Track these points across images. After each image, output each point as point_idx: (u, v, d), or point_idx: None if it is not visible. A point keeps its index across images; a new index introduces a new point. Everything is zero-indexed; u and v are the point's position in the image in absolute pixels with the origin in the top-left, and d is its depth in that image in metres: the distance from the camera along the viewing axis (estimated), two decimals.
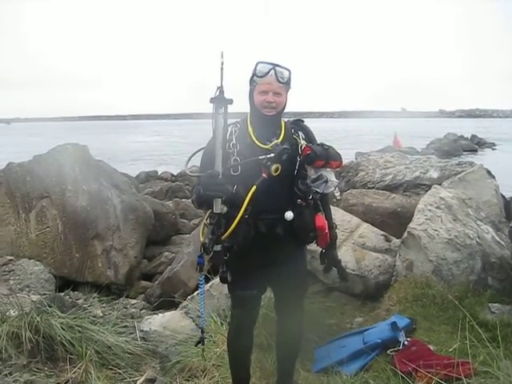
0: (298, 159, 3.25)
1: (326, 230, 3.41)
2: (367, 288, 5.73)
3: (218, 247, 2.98)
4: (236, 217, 3.07)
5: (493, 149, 37.90)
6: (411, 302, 5.05)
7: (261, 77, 3.23)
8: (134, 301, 7.49)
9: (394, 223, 6.82)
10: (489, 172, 7.05)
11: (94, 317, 5.47)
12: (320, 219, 3.37)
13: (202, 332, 3.45)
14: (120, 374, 4.62)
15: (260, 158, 3.14)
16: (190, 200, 13.06)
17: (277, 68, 3.23)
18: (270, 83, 3.23)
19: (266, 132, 3.30)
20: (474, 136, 39.89)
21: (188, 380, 4.31)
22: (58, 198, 8.18)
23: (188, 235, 9.25)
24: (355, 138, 47.08)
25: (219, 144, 3.03)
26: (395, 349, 4.24)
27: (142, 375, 4.65)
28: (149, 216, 9.02)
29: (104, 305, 6.81)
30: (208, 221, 3.17)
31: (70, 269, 8.01)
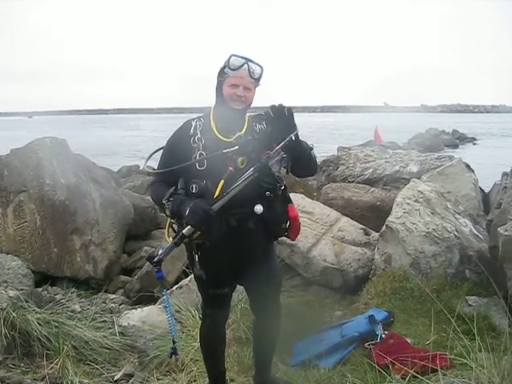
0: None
1: (299, 221, 3.41)
2: (346, 281, 5.76)
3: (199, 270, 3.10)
4: None
5: (474, 143, 38.22)
6: (389, 296, 5.07)
7: (233, 70, 3.18)
8: (112, 296, 7.44)
9: (374, 217, 6.86)
10: (468, 166, 7.11)
11: (71, 312, 5.44)
12: (293, 209, 3.37)
13: (174, 342, 3.37)
14: (98, 369, 4.61)
15: (224, 151, 3.10)
16: None
17: (250, 63, 3.20)
18: (242, 77, 3.19)
19: (230, 126, 3.26)
20: (455, 131, 40.16)
21: (166, 375, 4.30)
22: (36, 192, 8.08)
23: None
24: (338, 132, 47.24)
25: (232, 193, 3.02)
26: (373, 342, 4.25)
27: (119, 370, 4.63)
28: (128, 210, 8.94)
29: (83, 300, 6.78)
30: (171, 237, 3.19)
31: (48, 264, 7.92)
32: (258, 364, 3.85)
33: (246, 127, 3.29)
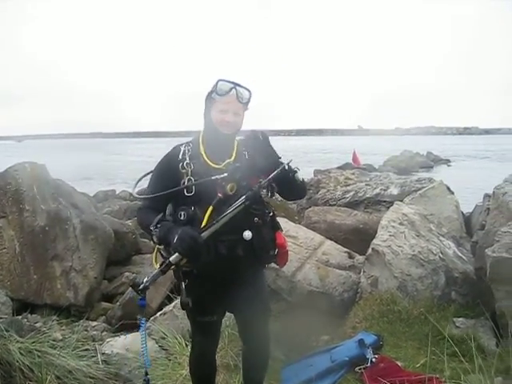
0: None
1: (287, 248, 3.39)
2: (332, 305, 5.73)
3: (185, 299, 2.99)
4: None
5: (448, 165, 38.65)
6: (377, 319, 5.07)
7: (221, 95, 3.17)
8: (94, 323, 7.33)
9: (357, 240, 6.88)
10: (448, 188, 7.18)
11: (53, 340, 5.31)
12: (280, 237, 3.35)
13: (146, 374, 3.24)
14: None
15: (213, 177, 3.07)
16: None
17: (238, 88, 3.19)
18: (230, 102, 3.18)
19: (220, 151, 3.24)
20: (429, 153, 40.60)
21: None
22: (15, 218, 7.97)
23: (149, 255, 9.12)
24: (313, 155, 47.50)
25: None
26: (363, 366, 4.23)
27: None
28: (109, 235, 8.85)
29: (64, 327, 6.64)
30: (158, 264, 3.11)
31: (27, 291, 7.77)
32: None
33: (235, 153, 3.27)
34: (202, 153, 3.22)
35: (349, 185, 8.75)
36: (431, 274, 5.39)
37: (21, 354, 4.53)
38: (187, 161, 3.18)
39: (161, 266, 3.01)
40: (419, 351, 4.46)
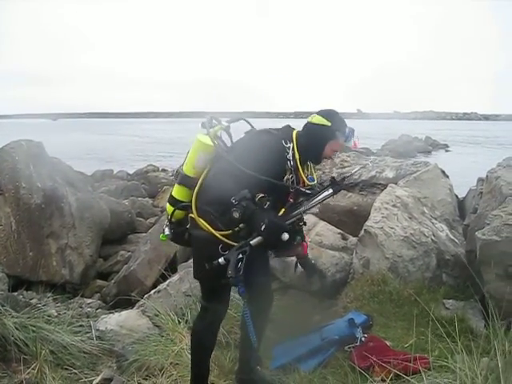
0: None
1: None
2: (324, 286, 5.76)
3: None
4: None
5: (446, 150, 38.58)
6: (368, 299, 5.10)
7: (346, 141, 3.58)
8: (89, 300, 7.40)
9: (351, 222, 6.90)
10: (443, 172, 7.19)
11: (48, 316, 5.37)
12: (306, 248, 3.85)
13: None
14: (76, 373, 4.56)
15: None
16: (146, 199, 12.93)
17: (354, 137, 3.62)
18: (343, 146, 3.67)
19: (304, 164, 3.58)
20: (427, 137, 40.51)
21: (146, 379, 4.26)
22: (11, 195, 8.00)
23: (144, 234, 9.19)
24: None
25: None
26: (352, 345, 4.27)
27: (98, 375, 4.59)
28: (104, 214, 8.90)
29: (59, 304, 6.71)
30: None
31: (23, 268, 7.84)
32: (242, 359, 3.97)
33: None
34: (298, 163, 3.45)
35: (345, 167, 8.74)
36: (423, 256, 5.43)
37: (16, 328, 4.59)
38: (292, 162, 3.42)
39: (239, 249, 3.14)
40: (408, 331, 4.49)
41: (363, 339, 4.30)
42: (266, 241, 3.12)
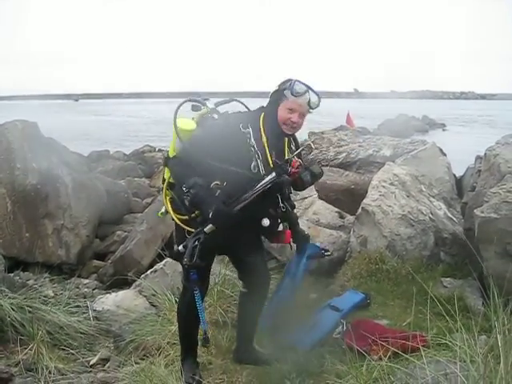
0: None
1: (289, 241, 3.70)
2: (321, 264, 5.73)
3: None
4: None
5: (443, 129, 38.44)
6: (365, 278, 5.11)
7: (295, 96, 3.27)
8: (86, 280, 7.40)
9: (348, 200, 6.89)
10: (441, 150, 7.17)
11: (45, 297, 5.36)
12: (289, 236, 3.60)
13: (205, 333, 3.43)
14: (73, 354, 4.57)
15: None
16: (143, 179, 12.89)
17: (311, 92, 3.31)
18: (301, 105, 3.31)
19: (274, 144, 3.38)
20: (424, 117, 40.33)
21: (143, 359, 4.25)
22: (6, 176, 7.93)
23: (141, 214, 9.15)
24: (308, 117, 47.11)
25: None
26: (339, 330, 4.26)
27: (95, 355, 4.60)
28: (101, 195, 8.86)
29: (55, 285, 6.69)
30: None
31: (19, 249, 7.80)
32: (240, 337, 4.00)
33: (286, 154, 3.47)
34: (265, 145, 3.33)
35: (342, 146, 8.72)
36: (420, 235, 5.42)
37: (13, 309, 4.58)
38: (255, 145, 3.28)
39: (195, 236, 3.15)
40: (406, 310, 4.50)
41: (349, 326, 4.27)
42: (218, 227, 3.12)
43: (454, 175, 7.21)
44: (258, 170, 3.25)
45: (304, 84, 3.30)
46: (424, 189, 6.02)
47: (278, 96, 3.35)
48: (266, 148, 3.31)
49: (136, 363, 4.15)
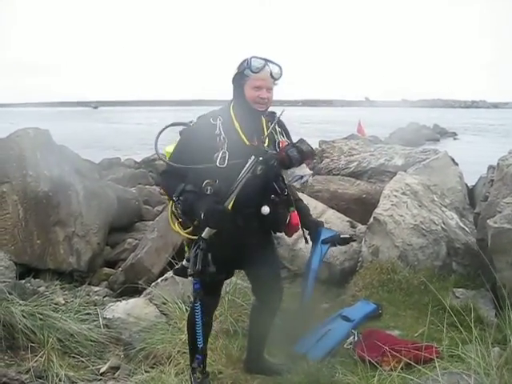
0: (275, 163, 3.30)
1: (299, 226, 3.56)
2: (332, 274, 5.74)
3: (212, 268, 3.10)
4: None
5: (454, 138, 38.43)
6: (377, 288, 5.08)
7: (256, 72, 3.21)
8: (96, 288, 7.40)
9: (359, 209, 6.86)
10: (453, 159, 7.14)
11: (55, 304, 5.37)
12: (295, 217, 3.49)
13: (200, 353, 3.41)
14: (83, 361, 4.57)
15: (250, 161, 3.15)
16: (153, 187, 12.92)
17: (270, 64, 3.25)
18: (265, 79, 3.24)
19: (252, 127, 3.32)
20: (436, 125, 40.34)
21: (153, 367, 4.26)
22: (18, 183, 7.97)
23: (152, 222, 9.18)
24: (319, 126, 47.22)
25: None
26: (350, 340, 4.24)
27: (105, 363, 4.60)
28: (112, 202, 8.89)
29: (66, 292, 6.69)
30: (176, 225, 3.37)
31: (31, 256, 7.82)
32: (250, 349, 3.96)
33: (264, 132, 3.37)
34: (238, 129, 3.28)
35: (353, 155, 8.69)
36: (432, 244, 5.39)
37: (23, 316, 4.60)
38: (223, 135, 3.20)
39: (196, 244, 3.13)
40: (418, 320, 4.48)
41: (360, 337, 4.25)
42: (213, 227, 3.08)
43: (466, 185, 7.17)
44: (224, 159, 3.14)
45: (260, 58, 3.24)
46: (436, 198, 5.98)
47: (239, 78, 3.29)
48: (240, 132, 3.27)
49: (146, 372, 4.16)
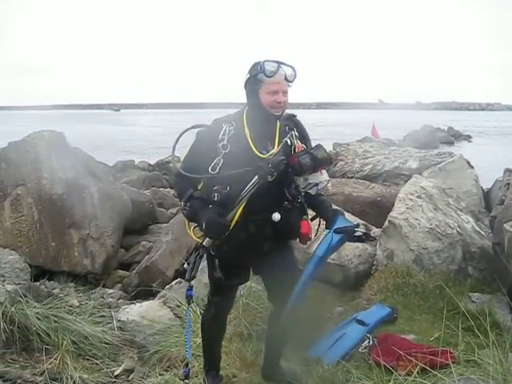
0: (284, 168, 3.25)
1: (311, 235, 3.45)
2: (347, 278, 5.70)
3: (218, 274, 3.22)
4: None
5: (469, 141, 38.21)
6: (392, 292, 5.05)
7: (270, 76, 3.17)
8: (110, 290, 7.41)
9: (374, 212, 6.84)
10: (468, 162, 7.09)
11: (70, 306, 5.37)
12: (305, 226, 3.39)
13: (187, 365, 3.47)
14: (97, 364, 4.56)
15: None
16: (167, 189, 12.94)
17: (283, 66, 3.21)
18: (280, 83, 3.20)
19: (264, 134, 3.27)
20: (450, 128, 40.15)
21: (167, 370, 4.25)
22: (33, 185, 8.02)
23: (166, 224, 9.17)
24: (333, 129, 47.10)
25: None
26: (365, 344, 4.21)
27: (119, 365, 4.59)
28: (126, 205, 8.90)
29: (80, 294, 6.72)
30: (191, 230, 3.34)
31: (45, 258, 7.87)
32: (268, 356, 3.89)
33: (277, 138, 3.30)
34: (248, 137, 3.24)
35: (367, 158, 8.67)
36: (448, 248, 5.36)
37: (38, 318, 4.60)
38: (224, 142, 3.18)
39: (196, 251, 3.22)
40: (433, 325, 4.44)
41: (375, 340, 4.22)
42: (212, 238, 3.15)
43: (482, 188, 7.12)
44: (217, 167, 3.13)
45: (273, 61, 3.20)
46: (451, 202, 5.95)
47: (253, 83, 3.24)
48: (250, 140, 3.22)
49: (160, 375, 4.15)
